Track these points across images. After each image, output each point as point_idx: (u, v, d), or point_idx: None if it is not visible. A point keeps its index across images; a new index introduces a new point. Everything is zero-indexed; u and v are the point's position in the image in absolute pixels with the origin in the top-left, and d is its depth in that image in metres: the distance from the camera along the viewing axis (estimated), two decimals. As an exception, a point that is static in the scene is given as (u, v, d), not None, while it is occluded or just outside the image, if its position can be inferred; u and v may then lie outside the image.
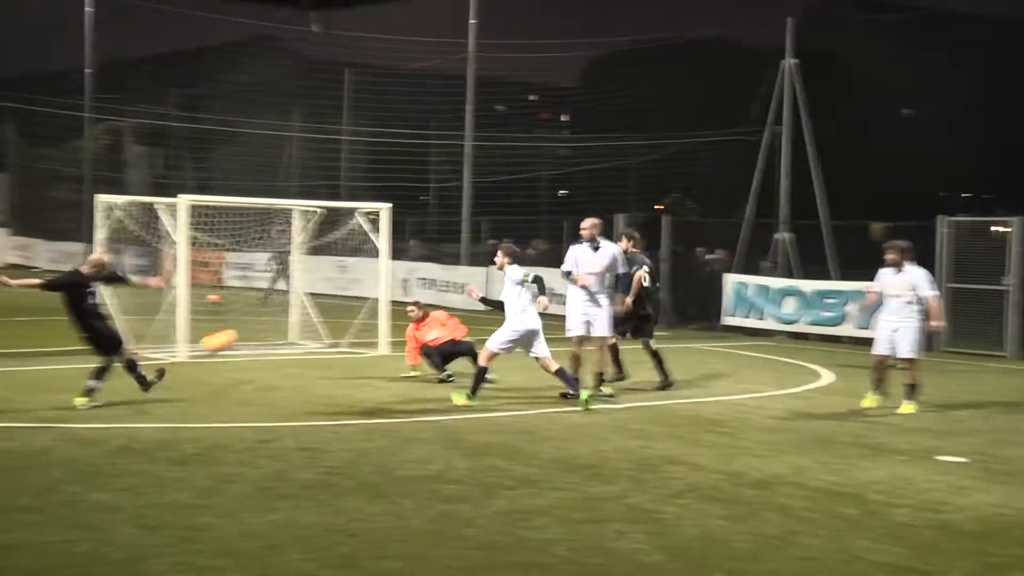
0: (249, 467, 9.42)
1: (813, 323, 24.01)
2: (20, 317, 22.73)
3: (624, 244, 14.95)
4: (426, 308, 16.21)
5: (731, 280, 25.85)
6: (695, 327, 26.09)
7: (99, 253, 13.50)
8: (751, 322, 25.26)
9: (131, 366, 12.63)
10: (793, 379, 17.19)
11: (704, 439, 11.52)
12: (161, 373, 13.00)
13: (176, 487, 8.62)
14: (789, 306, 24.41)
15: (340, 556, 6.92)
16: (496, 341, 13.25)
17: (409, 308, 16.12)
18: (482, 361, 13.41)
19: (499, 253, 13.54)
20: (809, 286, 24.46)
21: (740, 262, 27.10)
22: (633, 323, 15.13)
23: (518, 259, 13.62)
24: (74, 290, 12.35)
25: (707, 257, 28.52)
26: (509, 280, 13.34)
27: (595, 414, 12.90)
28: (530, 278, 13.16)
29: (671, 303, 26.58)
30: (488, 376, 13.81)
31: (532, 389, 14.70)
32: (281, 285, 25.20)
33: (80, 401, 12.13)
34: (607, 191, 37.11)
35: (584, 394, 13.16)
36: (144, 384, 12.70)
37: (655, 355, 15.29)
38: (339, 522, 7.70)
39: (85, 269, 12.66)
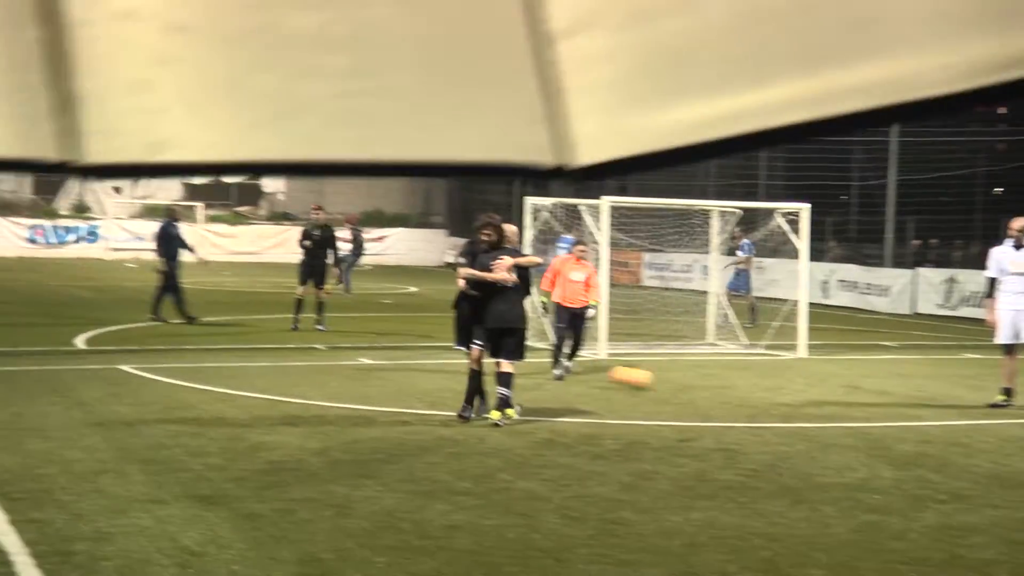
0: (668, 465, 9.53)
1: None
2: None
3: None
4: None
5: None
6: None
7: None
8: None
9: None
10: None
11: None
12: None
13: (597, 481, 8.87)
14: None
15: (762, 560, 6.84)
16: None
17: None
18: None
19: None
20: None
21: None
22: None
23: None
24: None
25: None
26: None
27: (1036, 428, 11.98)
28: None
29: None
30: None
31: (959, 399, 13.88)
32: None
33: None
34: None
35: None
36: None
37: None
38: (760, 525, 7.62)
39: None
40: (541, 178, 1.74)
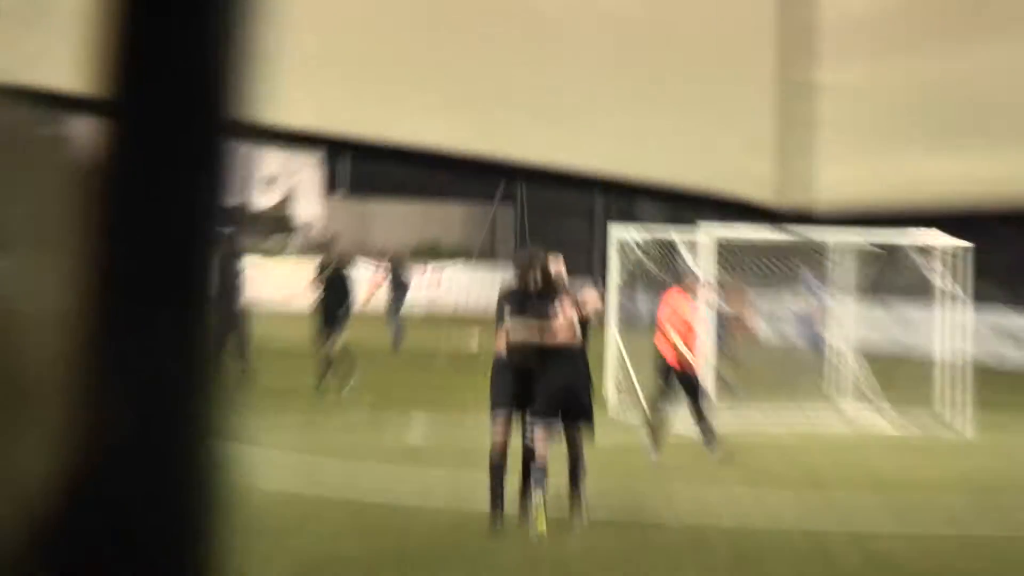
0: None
1: None
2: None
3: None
4: None
5: None
6: None
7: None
8: None
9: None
10: None
11: None
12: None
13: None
14: None
15: None
16: None
17: None
18: None
19: None
20: None
21: None
22: None
23: None
24: None
25: None
26: None
27: None
28: None
29: None
30: None
31: None
32: None
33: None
34: None
35: None
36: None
37: None
38: None
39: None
40: (757, 218, 1.82)
